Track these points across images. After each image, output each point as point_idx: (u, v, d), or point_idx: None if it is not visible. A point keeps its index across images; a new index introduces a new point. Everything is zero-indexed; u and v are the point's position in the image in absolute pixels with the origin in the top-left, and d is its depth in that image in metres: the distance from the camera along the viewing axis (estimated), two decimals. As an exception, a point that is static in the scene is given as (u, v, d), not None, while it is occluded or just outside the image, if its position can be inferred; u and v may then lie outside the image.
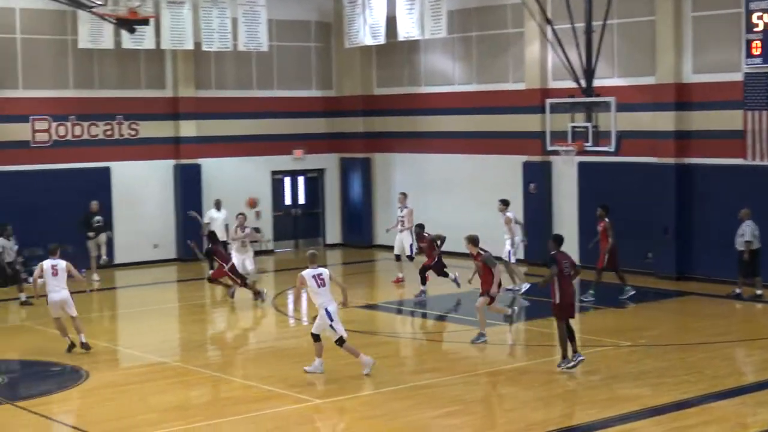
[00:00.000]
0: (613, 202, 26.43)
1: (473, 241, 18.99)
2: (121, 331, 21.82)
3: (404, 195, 26.81)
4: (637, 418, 14.27)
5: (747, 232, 22.89)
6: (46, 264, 19.00)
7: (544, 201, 28.21)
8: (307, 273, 16.59)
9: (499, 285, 19.00)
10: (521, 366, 17.48)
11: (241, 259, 24.21)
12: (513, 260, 24.63)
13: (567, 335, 16.62)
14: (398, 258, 26.12)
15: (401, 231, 26.12)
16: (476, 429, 14.06)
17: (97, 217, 27.49)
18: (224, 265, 23.58)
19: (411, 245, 25.89)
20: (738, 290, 23.16)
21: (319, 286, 16.53)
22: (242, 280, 23.60)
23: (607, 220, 23.25)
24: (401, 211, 26.35)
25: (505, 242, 24.56)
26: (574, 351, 16.69)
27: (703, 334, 19.81)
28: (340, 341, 16.57)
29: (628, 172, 26.40)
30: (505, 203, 24.89)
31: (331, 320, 16.47)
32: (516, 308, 20.05)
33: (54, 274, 18.90)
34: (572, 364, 16.54)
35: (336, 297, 16.87)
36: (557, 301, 16.59)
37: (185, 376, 17.03)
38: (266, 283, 27.78)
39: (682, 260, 25.60)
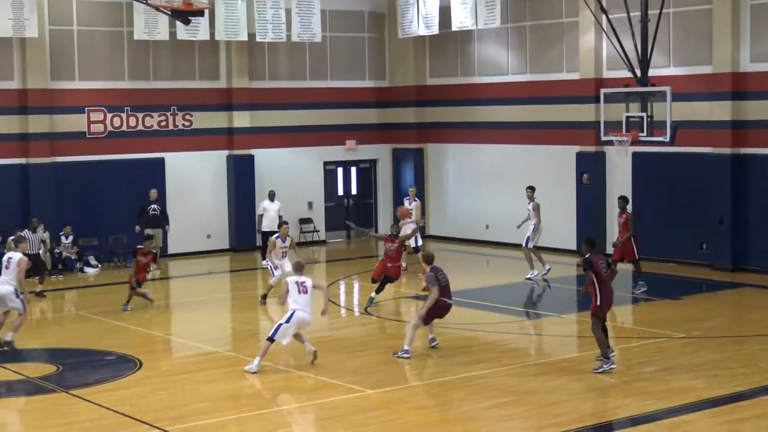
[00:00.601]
0: (668, 192, 26.31)
1: (426, 259, 18.08)
2: (174, 321, 21.95)
3: (414, 189, 27.34)
4: (691, 410, 14.15)
5: None
6: (6, 256, 18.80)
7: (598, 191, 28.01)
8: (291, 279, 16.86)
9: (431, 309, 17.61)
10: (572, 357, 17.36)
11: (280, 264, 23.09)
12: (531, 245, 25.07)
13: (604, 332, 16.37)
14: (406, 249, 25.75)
15: (408, 223, 26.13)
16: (529, 420, 13.99)
17: (153, 206, 27.77)
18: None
19: (416, 238, 26.03)
20: None
21: (299, 293, 16.74)
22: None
23: (629, 211, 23.10)
24: (410, 204, 26.49)
25: (529, 228, 25.04)
26: (607, 346, 16.36)
27: (758, 326, 19.57)
28: (270, 338, 16.72)
29: (683, 162, 26.15)
30: (534, 189, 25.37)
31: (287, 322, 16.62)
32: (437, 342, 18.09)
33: (6, 267, 18.51)
34: (612, 366, 16.10)
35: (318, 305, 17.33)
36: (598, 302, 16.24)
37: (237, 366, 17.09)
38: (318, 274, 27.88)
39: (737, 251, 25.30)
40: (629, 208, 23.55)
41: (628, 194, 27.21)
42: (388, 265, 21.80)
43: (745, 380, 15.61)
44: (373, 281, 22.06)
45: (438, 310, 17.60)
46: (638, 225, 24.45)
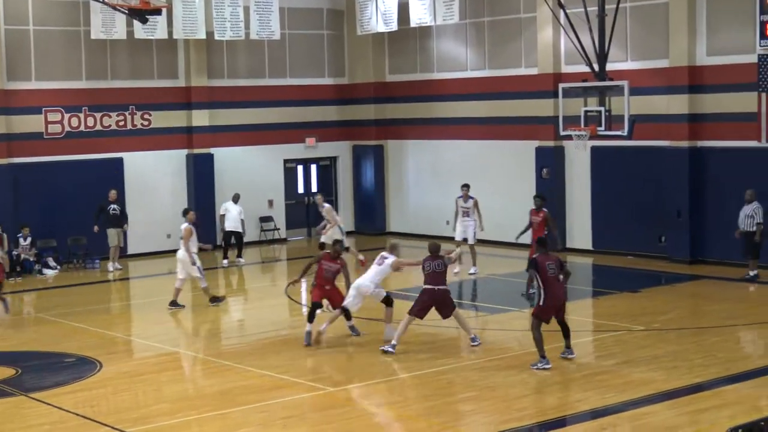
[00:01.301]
0: (626, 186, 26.47)
1: (429, 248, 17.67)
2: (134, 321, 21.84)
3: (321, 196, 26.93)
4: (651, 402, 14.24)
5: (759, 213, 22.89)
6: None
7: (557, 186, 28.14)
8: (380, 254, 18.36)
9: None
10: (534, 351, 17.36)
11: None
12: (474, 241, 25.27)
13: (562, 331, 16.44)
14: None
15: (327, 231, 25.90)
16: (492, 414, 14.02)
17: (113, 206, 27.58)
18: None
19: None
20: (752, 272, 23.15)
21: (376, 263, 18.21)
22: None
23: (546, 210, 23.34)
24: (322, 210, 25.95)
25: (469, 225, 25.19)
26: (567, 346, 16.52)
27: (716, 317, 19.74)
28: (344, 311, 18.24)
29: (641, 156, 26.32)
30: (469, 187, 25.43)
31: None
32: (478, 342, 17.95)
33: None
34: (546, 365, 16.02)
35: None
36: (541, 303, 16.22)
37: (198, 366, 17.05)
38: (280, 272, 27.92)
39: (695, 244, 25.51)
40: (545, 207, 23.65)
41: (587, 189, 27.48)
42: (326, 287, 18.49)
43: (703, 371, 15.74)
44: (315, 307, 18.40)
45: (428, 301, 17.28)
46: (599, 218, 24.70)
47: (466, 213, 25.36)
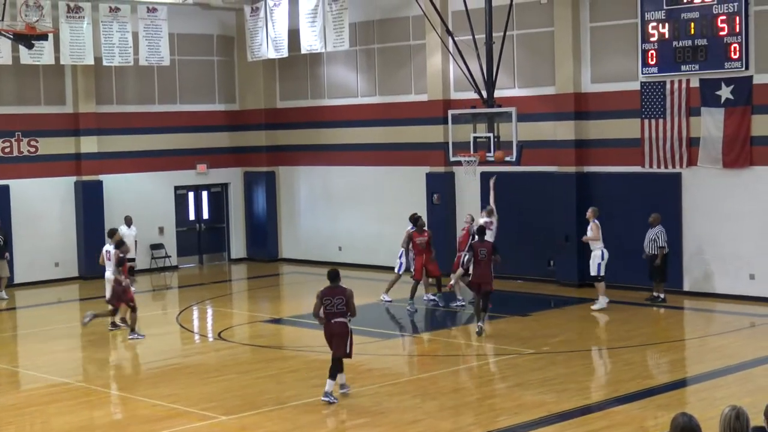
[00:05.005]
0: (515, 211, 26.80)
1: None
2: (22, 352, 21.38)
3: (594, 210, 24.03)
4: (543, 424, 14.42)
5: (661, 237, 23.37)
6: None
7: (448, 211, 28.40)
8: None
9: None
10: (427, 376, 17.54)
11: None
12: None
13: (481, 305, 20.38)
14: None
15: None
16: (383, 441, 14.10)
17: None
18: None
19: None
20: (657, 294, 23.66)
21: None
22: None
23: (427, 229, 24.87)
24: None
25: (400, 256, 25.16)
26: (479, 319, 20.30)
27: (604, 339, 20.11)
28: None
29: (530, 181, 26.69)
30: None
31: None
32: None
33: None
34: (480, 324, 20.34)
35: None
36: (471, 278, 21.02)
37: (89, 397, 16.75)
38: (171, 300, 27.63)
39: (582, 267, 25.88)
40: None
41: (477, 214, 27.70)
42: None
43: (593, 393, 16.04)
44: None
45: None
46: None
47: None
